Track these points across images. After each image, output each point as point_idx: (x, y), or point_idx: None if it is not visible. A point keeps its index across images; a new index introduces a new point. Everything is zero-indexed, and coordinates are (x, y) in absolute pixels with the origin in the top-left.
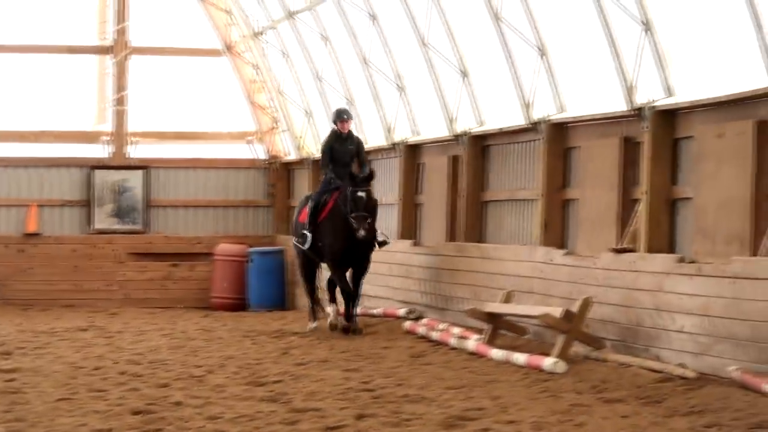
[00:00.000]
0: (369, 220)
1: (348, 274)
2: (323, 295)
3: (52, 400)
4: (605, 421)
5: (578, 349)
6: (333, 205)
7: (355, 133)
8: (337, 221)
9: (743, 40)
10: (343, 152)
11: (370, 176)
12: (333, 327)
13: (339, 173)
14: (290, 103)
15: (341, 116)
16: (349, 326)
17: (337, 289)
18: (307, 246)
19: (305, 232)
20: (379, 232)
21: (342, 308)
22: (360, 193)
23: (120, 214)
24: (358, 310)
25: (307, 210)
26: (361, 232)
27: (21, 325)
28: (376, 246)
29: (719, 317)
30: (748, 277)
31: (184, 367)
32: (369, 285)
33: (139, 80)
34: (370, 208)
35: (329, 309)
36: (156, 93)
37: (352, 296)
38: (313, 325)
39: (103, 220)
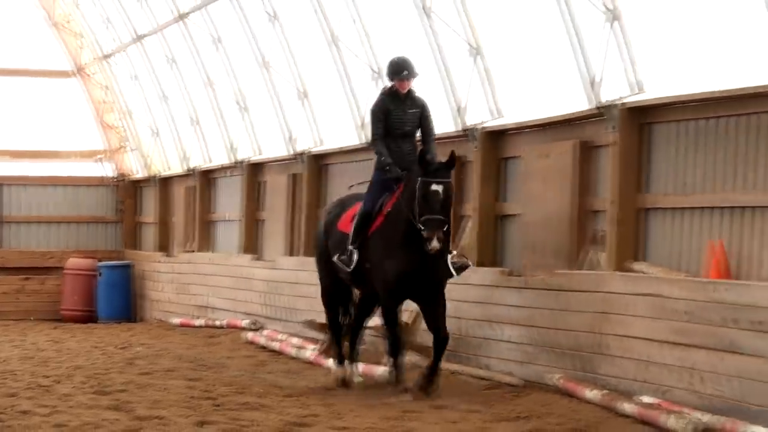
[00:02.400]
0: (446, 227)
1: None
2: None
3: None
4: (435, 426)
5: (411, 357)
6: (391, 208)
7: (419, 95)
8: (395, 232)
9: (566, 64)
10: (402, 119)
11: (452, 162)
12: (343, 382)
13: (396, 149)
14: (138, 123)
15: (399, 72)
16: (430, 385)
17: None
18: (352, 267)
19: (351, 248)
20: (454, 252)
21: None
22: (435, 187)
23: None
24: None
25: (352, 215)
26: (434, 244)
27: None
28: (453, 272)
29: (544, 328)
30: (570, 289)
31: (33, 377)
32: (213, 297)
33: None
34: (446, 209)
35: (347, 367)
36: (8, 113)
37: (397, 345)
38: (340, 373)
39: None
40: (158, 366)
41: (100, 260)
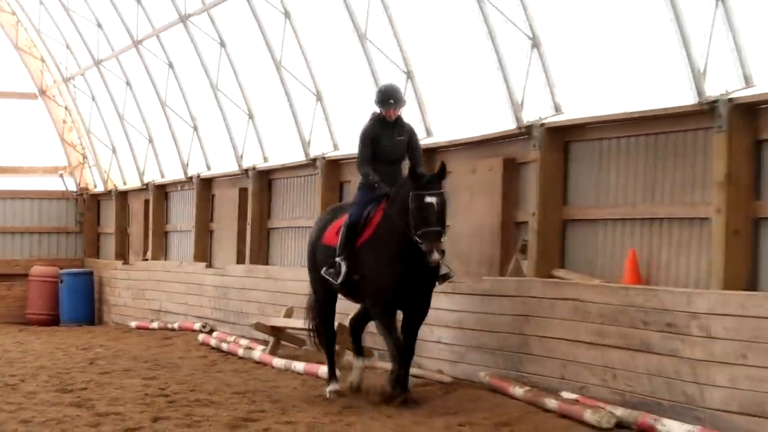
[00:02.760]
0: (444, 238)
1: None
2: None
3: None
4: (372, 421)
5: (350, 358)
6: (380, 220)
7: (406, 121)
8: (388, 244)
9: (491, 87)
10: (391, 145)
11: (442, 173)
12: (355, 388)
13: (384, 175)
14: (97, 141)
15: (386, 101)
16: (406, 395)
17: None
18: (340, 280)
19: (338, 260)
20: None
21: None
22: (429, 199)
23: None
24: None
25: (338, 227)
26: (435, 256)
27: None
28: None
29: (472, 329)
30: (495, 294)
31: (0, 377)
32: (167, 302)
33: None
34: (442, 220)
35: (357, 363)
36: None
37: (406, 353)
38: (335, 387)
39: None
40: (116, 366)
41: (62, 268)
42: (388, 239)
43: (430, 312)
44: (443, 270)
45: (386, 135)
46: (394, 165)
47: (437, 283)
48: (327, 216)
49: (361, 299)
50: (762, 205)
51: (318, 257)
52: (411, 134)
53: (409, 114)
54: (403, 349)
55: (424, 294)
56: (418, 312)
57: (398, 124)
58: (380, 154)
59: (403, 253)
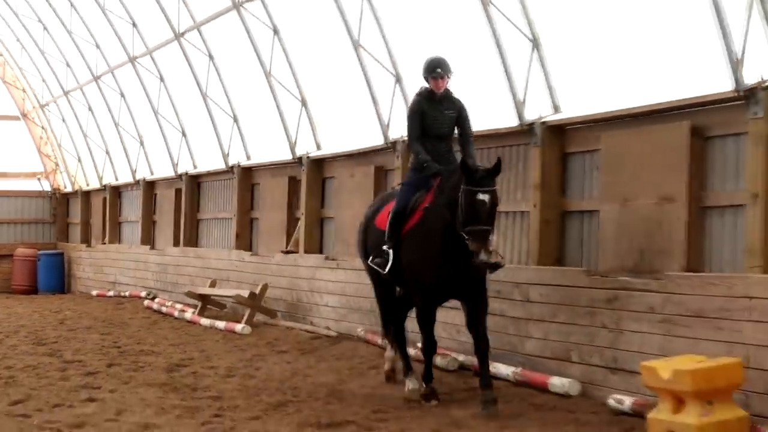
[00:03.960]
0: (492, 236)
1: (439, 314)
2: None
3: None
4: (275, 365)
5: (259, 317)
6: (427, 209)
7: (456, 96)
8: (432, 235)
9: (364, 109)
10: (439, 120)
11: (498, 168)
12: (389, 377)
13: (432, 149)
14: (66, 153)
15: (432, 69)
16: (490, 395)
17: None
18: (387, 270)
19: (385, 248)
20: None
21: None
22: (481, 196)
23: None
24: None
25: (389, 211)
26: (483, 257)
27: None
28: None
29: (351, 296)
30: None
31: None
32: (120, 275)
33: None
34: (492, 218)
35: (388, 353)
36: None
37: (479, 349)
38: (413, 385)
39: None
40: (80, 324)
41: (39, 250)
42: (433, 230)
43: (320, 283)
44: (494, 258)
45: (434, 109)
46: (442, 141)
47: (488, 272)
48: (378, 201)
49: (406, 288)
50: (567, 201)
51: (369, 243)
52: (460, 109)
53: (304, 133)
54: (476, 346)
55: (476, 285)
56: (474, 304)
57: (446, 97)
58: (428, 129)
59: (448, 246)
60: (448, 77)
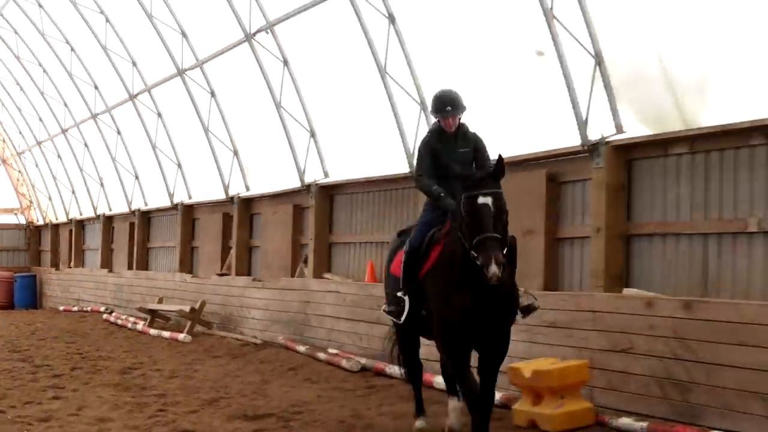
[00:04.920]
0: (505, 249)
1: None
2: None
3: None
4: (212, 368)
5: (198, 328)
6: (444, 243)
7: (471, 130)
8: (452, 270)
9: (284, 157)
10: (452, 159)
11: (500, 167)
12: None
13: (448, 190)
14: (39, 192)
15: (441, 109)
16: None
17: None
18: (403, 319)
19: (400, 294)
20: (522, 289)
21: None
22: (482, 200)
23: None
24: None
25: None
26: (493, 269)
27: None
28: (519, 313)
29: (274, 310)
30: (288, 288)
31: None
32: (83, 294)
33: None
34: (500, 225)
35: (451, 403)
36: None
37: (483, 401)
38: (422, 424)
39: None
40: (49, 335)
41: (16, 273)
42: (451, 264)
43: (248, 300)
44: (526, 300)
45: (446, 147)
46: (457, 181)
47: (520, 315)
48: (395, 242)
49: (429, 335)
50: None
51: (386, 290)
52: (476, 142)
53: (235, 179)
54: (480, 398)
55: (500, 329)
56: (495, 351)
57: (460, 133)
58: (442, 169)
59: (470, 279)
60: (460, 115)
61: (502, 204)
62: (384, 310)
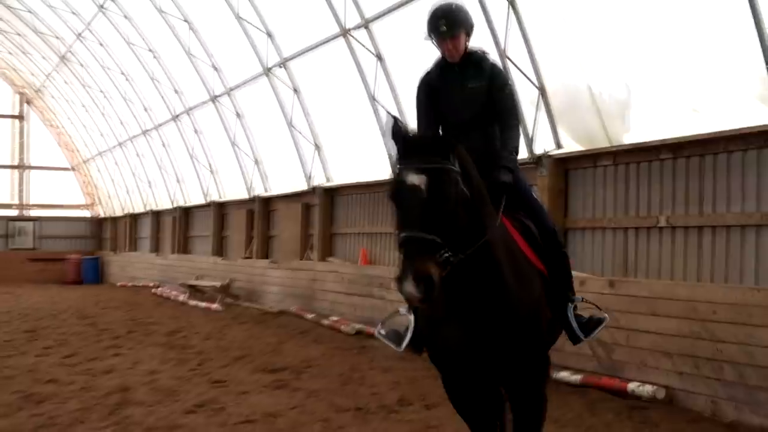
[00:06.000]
0: (445, 253)
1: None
2: None
3: None
4: (239, 332)
5: (228, 300)
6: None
7: (490, 59)
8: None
9: (294, 164)
10: (459, 99)
11: (444, 138)
12: None
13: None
14: (101, 192)
15: (436, 25)
16: None
17: None
18: (404, 346)
19: (402, 310)
20: (577, 299)
21: None
22: (408, 179)
23: (20, 242)
24: None
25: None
26: (407, 289)
27: None
28: (579, 334)
29: (288, 286)
30: (299, 269)
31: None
32: (137, 272)
33: None
34: (444, 219)
35: None
36: (39, 191)
37: None
38: None
39: (14, 242)
40: (110, 305)
41: (83, 255)
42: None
43: (268, 278)
44: (586, 312)
45: (451, 84)
46: (470, 131)
47: (582, 335)
48: None
49: None
50: None
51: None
52: (493, 78)
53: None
54: None
55: (513, 376)
56: (515, 404)
57: (470, 64)
58: (445, 114)
59: (460, 302)
60: (466, 34)
61: (444, 186)
62: (376, 333)
